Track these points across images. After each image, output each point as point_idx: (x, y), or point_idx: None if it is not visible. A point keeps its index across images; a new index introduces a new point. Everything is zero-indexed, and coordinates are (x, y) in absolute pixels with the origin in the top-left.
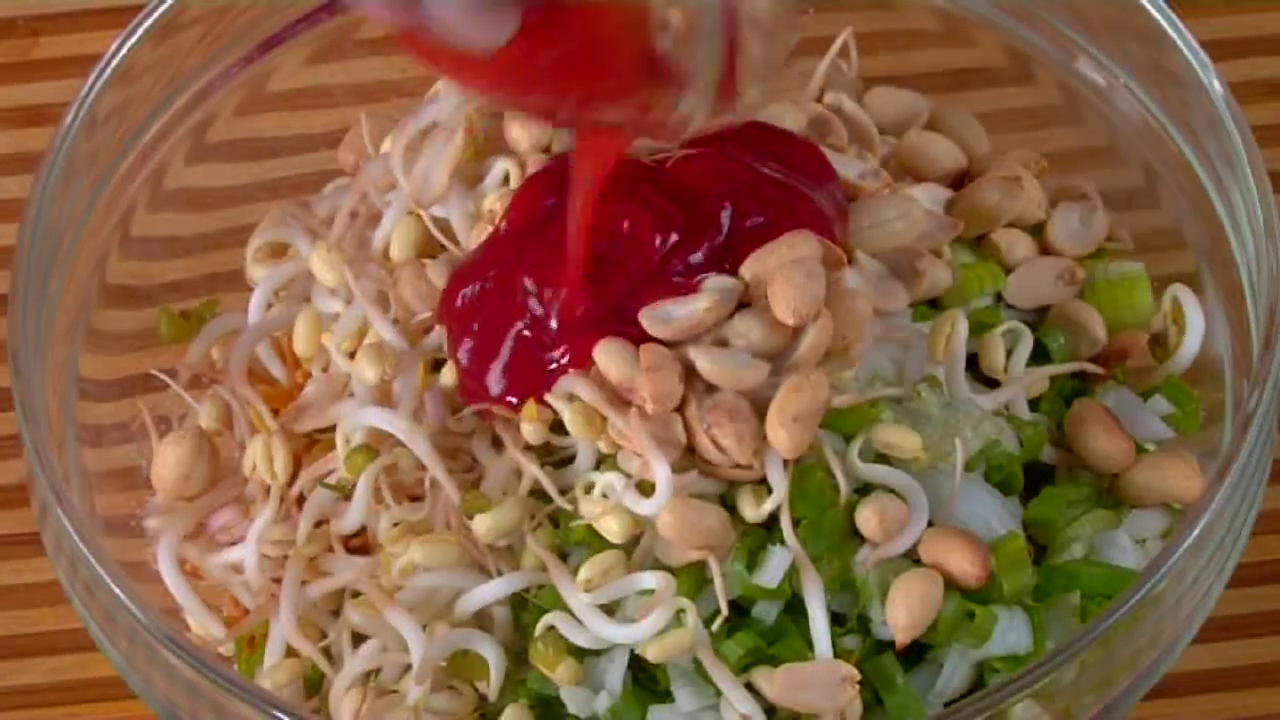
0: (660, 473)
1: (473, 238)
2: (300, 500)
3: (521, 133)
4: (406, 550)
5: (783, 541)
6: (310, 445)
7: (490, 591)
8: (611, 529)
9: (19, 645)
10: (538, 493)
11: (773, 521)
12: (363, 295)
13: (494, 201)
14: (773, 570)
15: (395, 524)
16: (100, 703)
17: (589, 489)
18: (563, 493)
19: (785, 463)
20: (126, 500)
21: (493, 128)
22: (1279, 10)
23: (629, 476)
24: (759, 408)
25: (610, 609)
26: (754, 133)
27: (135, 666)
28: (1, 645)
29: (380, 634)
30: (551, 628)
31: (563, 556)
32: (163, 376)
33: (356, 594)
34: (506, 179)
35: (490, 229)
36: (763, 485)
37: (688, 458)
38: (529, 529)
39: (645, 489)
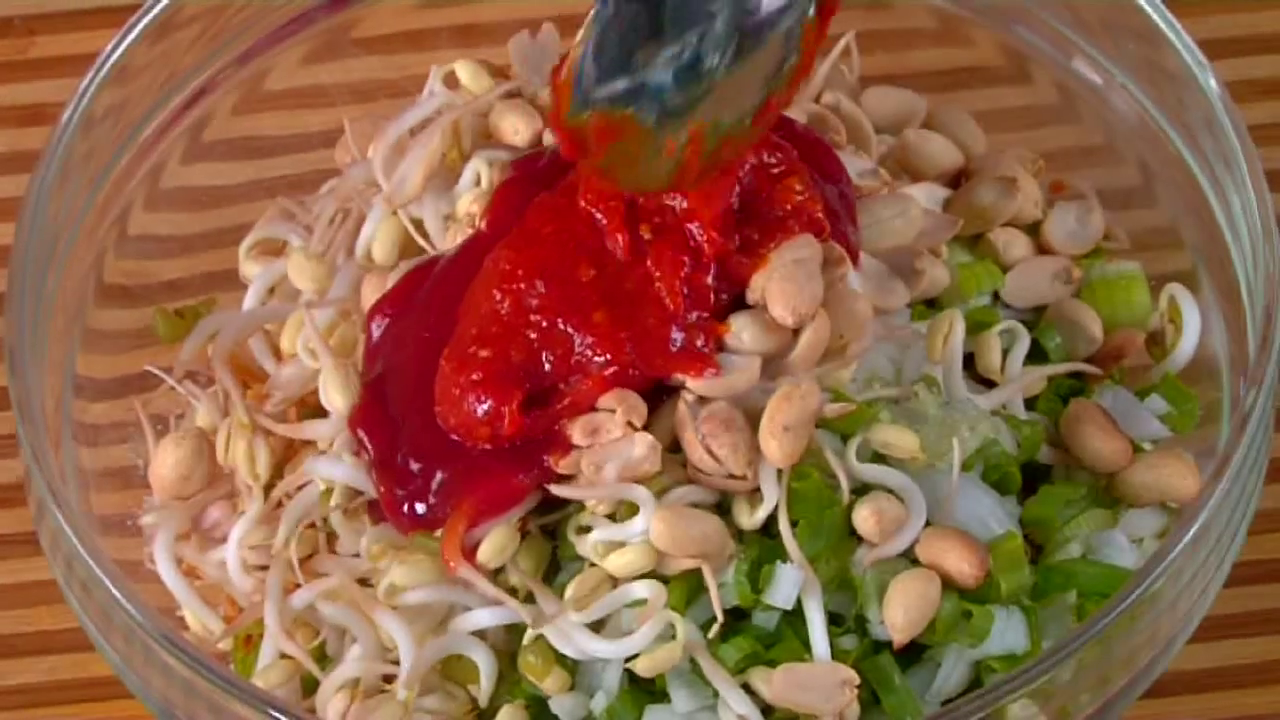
0: (640, 496)
1: (447, 238)
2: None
3: (520, 122)
4: (390, 569)
5: (784, 550)
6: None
7: (485, 618)
8: (634, 563)
9: (16, 644)
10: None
11: (771, 526)
12: (314, 332)
13: (469, 203)
14: (785, 590)
15: (377, 541)
16: (97, 702)
17: (580, 530)
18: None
19: (779, 471)
20: (123, 499)
21: (479, 127)
22: (1276, 9)
23: (616, 511)
24: (752, 416)
25: (602, 618)
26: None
27: (132, 665)
28: None
29: (361, 631)
30: (540, 636)
31: (558, 569)
32: (159, 373)
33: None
34: (479, 180)
35: (464, 230)
36: (758, 493)
37: (680, 470)
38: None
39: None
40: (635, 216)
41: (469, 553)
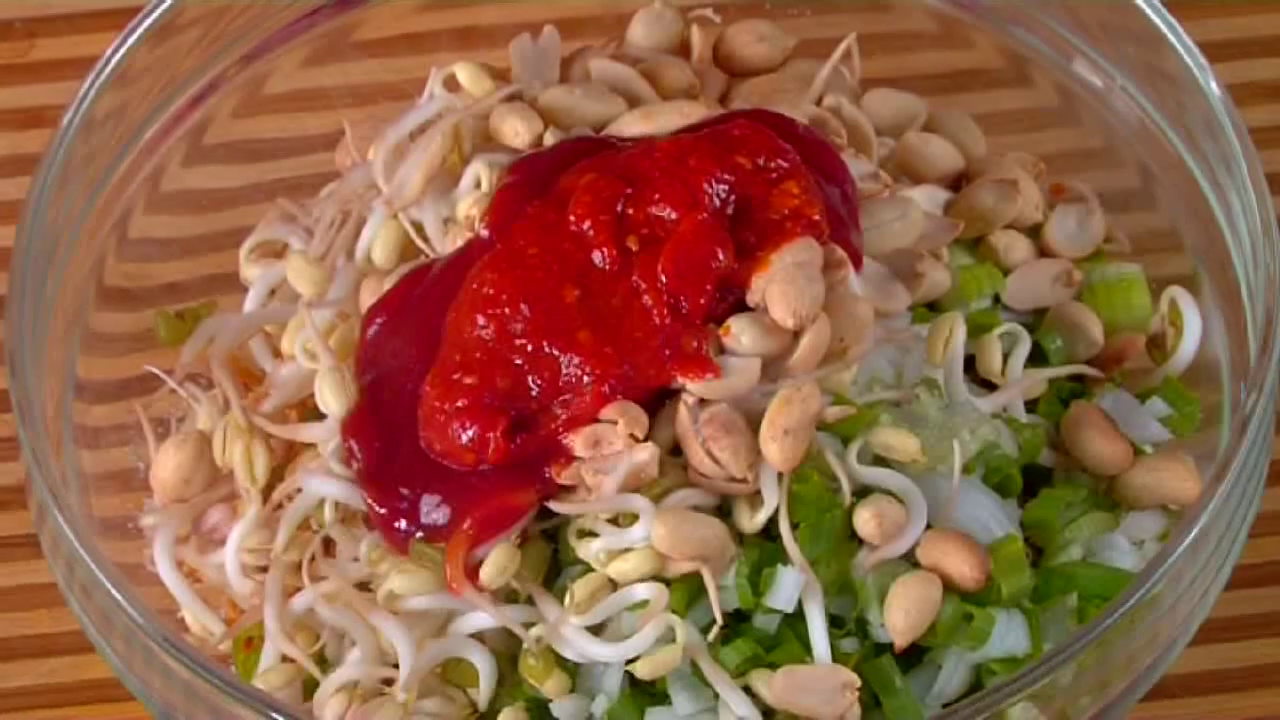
0: (640, 506)
1: (447, 242)
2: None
3: (520, 124)
4: (388, 576)
5: (785, 553)
6: (300, 448)
7: (484, 621)
8: (636, 569)
9: (16, 647)
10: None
11: (772, 529)
12: (315, 332)
13: (469, 206)
14: (785, 593)
15: (376, 546)
16: (97, 704)
17: (581, 535)
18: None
19: (779, 475)
20: (123, 502)
21: (480, 130)
22: (1276, 12)
23: (618, 516)
24: (753, 419)
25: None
26: (765, 122)
27: (133, 668)
28: None
29: (360, 634)
30: (541, 639)
31: (558, 571)
32: (161, 375)
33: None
34: (479, 183)
35: (463, 234)
36: (759, 496)
37: (681, 473)
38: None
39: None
40: (623, 229)
41: (471, 571)
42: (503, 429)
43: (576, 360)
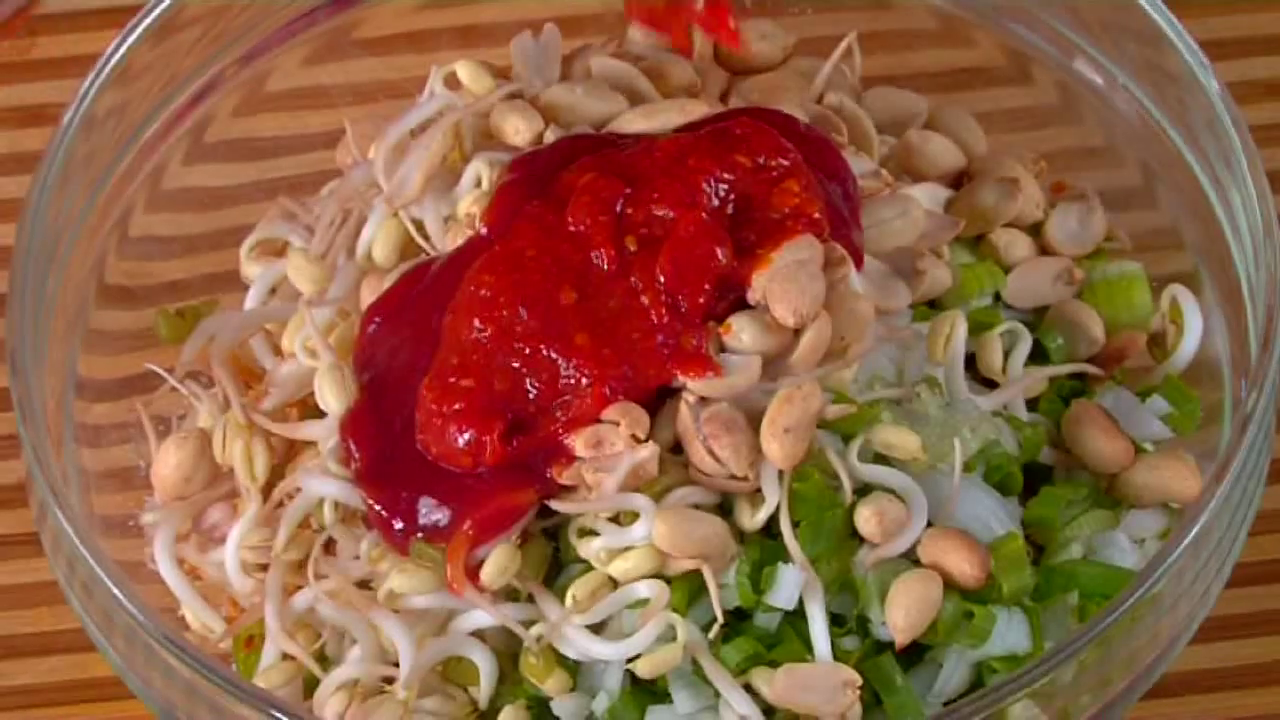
0: (640, 505)
1: (447, 240)
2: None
3: (521, 122)
4: (389, 575)
5: (786, 551)
6: (301, 446)
7: (485, 619)
8: (637, 567)
9: (17, 645)
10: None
11: (773, 527)
12: (315, 330)
13: (470, 204)
14: (786, 591)
15: (376, 545)
16: (98, 703)
17: (582, 533)
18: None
19: (780, 473)
20: (124, 500)
21: (480, 128)
22: (1277, 10)
23: (618, 523)
24: (754, 417)
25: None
26: (767, 120)
27: (133, 666)
28: None
29: (361, 633)
30: (541, 637)
31: (559, 569)
32: (162, 373)
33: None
34: (480, 181)
35: (464, 232)
36: (760, 494)
37: (682, 471)
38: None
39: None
40: (622, 229)
41: (472, 571)
42: (499, 432)
43: (575, 363)
